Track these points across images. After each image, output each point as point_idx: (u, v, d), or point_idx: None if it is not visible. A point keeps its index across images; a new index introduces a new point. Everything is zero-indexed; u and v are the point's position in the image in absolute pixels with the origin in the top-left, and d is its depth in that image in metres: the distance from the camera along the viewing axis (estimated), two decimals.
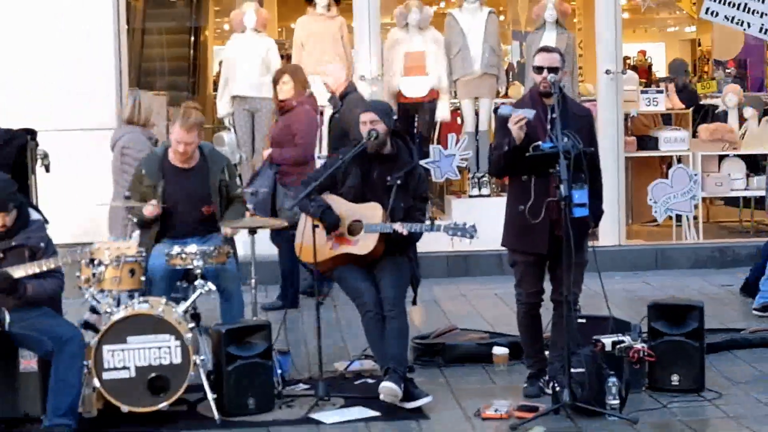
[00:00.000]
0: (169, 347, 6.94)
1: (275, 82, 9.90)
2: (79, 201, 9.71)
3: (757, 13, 11.94)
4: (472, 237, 7.23)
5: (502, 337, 8.34)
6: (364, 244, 7.24)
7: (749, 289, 9.83)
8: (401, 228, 7.12)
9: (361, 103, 9.55)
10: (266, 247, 8.03)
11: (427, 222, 7.29)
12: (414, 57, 11.90)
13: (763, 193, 12.26)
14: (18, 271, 6.62)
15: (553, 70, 7.00)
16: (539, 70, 7.02)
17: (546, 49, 7.33)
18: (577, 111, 7.25)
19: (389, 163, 7.35)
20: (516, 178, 7.08)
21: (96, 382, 6.88)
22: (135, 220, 8.02)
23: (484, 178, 11.82)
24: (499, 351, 8.14)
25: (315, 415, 7.00)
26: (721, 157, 12.55)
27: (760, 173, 12.19)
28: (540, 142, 6.79)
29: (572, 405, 6.76)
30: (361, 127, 7.30)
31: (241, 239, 8.02)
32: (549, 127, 6.88)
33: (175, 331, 6.96)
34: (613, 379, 6.84)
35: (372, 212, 7.25)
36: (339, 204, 7.32)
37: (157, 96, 14.02)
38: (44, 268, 6.69)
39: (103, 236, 7.28)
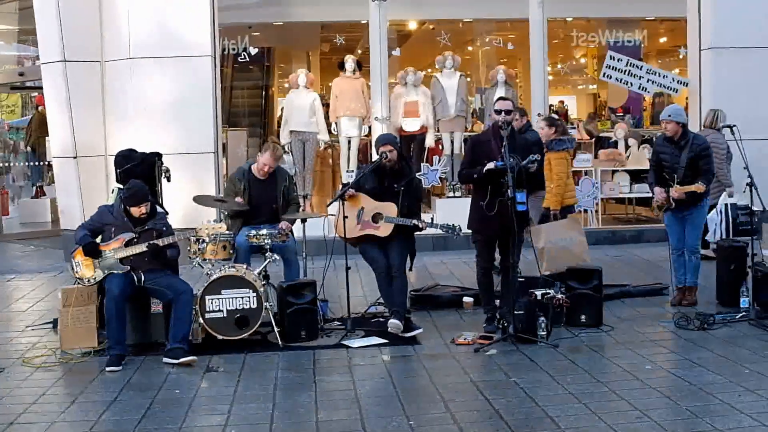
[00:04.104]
0: (249, 297, 6.91)
1: None
2: (188, 199, 9.70)
3: (637, 76, 11.92)
4: (458, 235, 7.22)
5: (470, 290, 8.31)
6: (384, 230, 7.19)
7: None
8: (420, 223, 7.13)
9: None
10: (313, 230, 8.01)
11: (429, 220, 7.26)
12: (410, 105, 11.85)
13: (640, 195, 12.30)
14: (140, 247, 6.69)
15: (508, 112, 7.01)
16: (498, 112, 7.00)
17: (503, 98, 7.29)
18: (530, 137, 7.22)
19: (396, 175, 7.32)
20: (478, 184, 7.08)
21: (201, 320, 6.88)
22: (226, 212, 8.01)
23: (457, 185, 11.79)
24: (467, 299, 8.15)
25: (345, 342, 6.99)
26: (614, 172, 12.52)
27: (640, 182, 12.17)
28: (495, 161, 6.81)
29: (515, 335, 6.77)
30: (381, 150, 7.28)
31: (297, 226, 8.01)
32: (503, 151, 6.87)
33: (252, 286, 6.94)
34: (542, 318, 6.84)
35: (390, 208, 7.21)
36: (368, 201, 7.28)
37: (239, 131, 14.04)
38: (166, 243, 6.72)
39: (200, 222, 7.28)
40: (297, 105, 11.86)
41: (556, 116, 9.45)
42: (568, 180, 8.92)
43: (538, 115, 11.76)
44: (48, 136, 12.74)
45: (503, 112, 6.97)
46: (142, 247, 6.66)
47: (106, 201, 8.92)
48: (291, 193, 8.01)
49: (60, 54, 11.07)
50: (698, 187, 7.49)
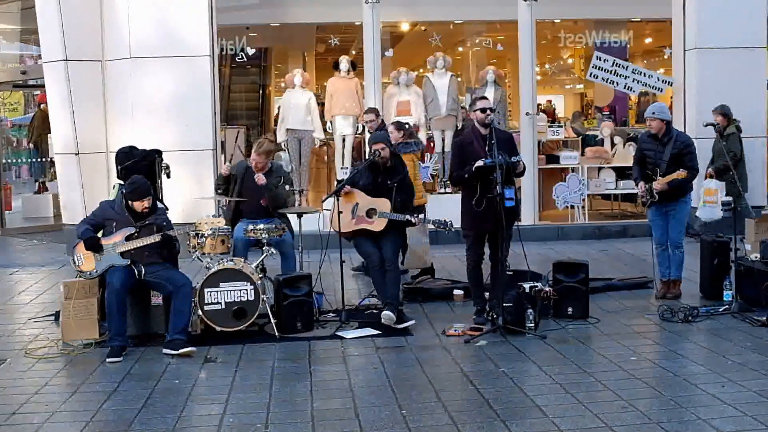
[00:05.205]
0: (246, 289, 6.90)
1: None
2: (188, 195, 9.66)
3: (622, 76, 11.89)
4: (450, 230, 7.20)
5: (460, 284, 8.29)
6: (378, 224, 7.18)
7: None
8: (414, 219, 7.11)
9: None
10: (308, 225, 8.00)
11: (422, 215, 7.25)
12: (403, 104, 11.84)
13: (626, 191, 12.30)
14: (153, 238, 6.65)
15: (492, 110, 7.04)
16: (483, 110, 6.99)
17: (485, 98, 7.33)
18: (502, 135, 7.21)
19: (389, 171, 7.30)
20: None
21: (200, 312, 6.86)
22: (224, 207, 7.98)
23: (448, 182, 11.78)
24: (458, 292, 8.14)
25: (339, 333, 6.97)
26: (600, 169, 12.52)
27: (625, 179, 12.16)
28: (485, 159, 6.79)
29: (504, 327, 6.76)
30: (373, 148, 7.25)
31: (293, 220, 7.99)
32: (487, 149, 6.85)
33: (250, 279, 6.92)
34: (530, 310, 6.83)
35: (384, 204, 7.19)
36: (362, 196, 7.26)
37: (237, 128, 13.99)
38: (175, 234, 6.73)
39: (199, 217, 7.26)
40: (293, 104, 11.83)
41: (404, 121, 9.58)
42: (416, 181, 8.77)
43: (527, 114, 11.78)
44: (50, 133, 12.69)
45: (488, 110, 6.98)
46: (156, 237, 6.63)
47: (108, 197, 8.90)
48: (280, 188, 7.92)
49: (62, 53, 11.04)
50: (679, 173, 7.51)
